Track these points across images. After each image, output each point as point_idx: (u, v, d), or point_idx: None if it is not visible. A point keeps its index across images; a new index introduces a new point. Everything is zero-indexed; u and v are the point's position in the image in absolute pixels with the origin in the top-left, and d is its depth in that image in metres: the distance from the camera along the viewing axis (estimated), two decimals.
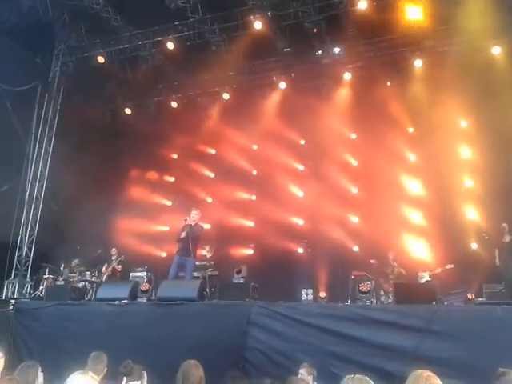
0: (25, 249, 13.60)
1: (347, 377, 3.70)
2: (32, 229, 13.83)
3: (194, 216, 10.22)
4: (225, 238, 14.27)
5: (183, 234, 10.04)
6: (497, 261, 10.75)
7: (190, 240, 9.92)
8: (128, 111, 16.35)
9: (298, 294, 11.58)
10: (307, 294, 11.56)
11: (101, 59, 14.54)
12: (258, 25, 12.82)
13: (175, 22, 13.66)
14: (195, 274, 11.38)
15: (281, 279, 12.30)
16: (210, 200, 16.07)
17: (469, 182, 13.04)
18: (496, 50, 12.39)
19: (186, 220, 10.17)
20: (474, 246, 12.42)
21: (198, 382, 3.85)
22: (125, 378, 5.32)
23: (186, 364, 3.95)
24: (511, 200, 10.97)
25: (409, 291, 8.23)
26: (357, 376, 3.67)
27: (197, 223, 10.25)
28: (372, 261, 11.69)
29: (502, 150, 11.44)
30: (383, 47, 13.53)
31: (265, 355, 7.52)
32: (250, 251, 14.75)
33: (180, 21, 13.61)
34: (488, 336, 6.37)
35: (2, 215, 11.95)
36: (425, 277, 11.05)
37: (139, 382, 5.26)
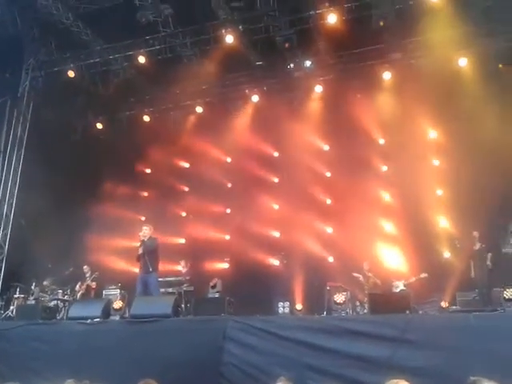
0: None
1: None
2: (1, 248, 13.46)
3: (145, 231, 10.19)
4: (200, 253, 14.17)
5: (140, 251, 10.03)
6: (472, 273, 10.90)
7: (146, 255, 9.90)
8: (99, 126, 16.18)
9: (274, 307, 11.51)
10: (284, 307, 11.48)
11: (71, 74, 14.33)
12: (229, 39, 12.86)
13: (146, 36, 13.60)
14: (170, 289, 11.24)
15: (257, 292, 12.20)
16: (184, 214, 15.96)
17: (440, 192, 13.26)
18: (462, 62, 12.68)
19: (139, 236, 10.12)
20: (447, 254, 12.61)
21: None
22: None
23: None
24: (481, 208, 11.14)
25: (383, 301, 8.27)
26: None
27: (150, 237, 10.19)
28: (355, 274, 11.66)
29: (471, 159, 11.65)
30: (353, 60, 13.74)
31: (241, 370, 7.40)
32: (226, 265, 14.64)
33: (151, 35, 13.56)
34: (461, 344, 6.41)
35: None
36: (399, 286, 11.13)
37: None
